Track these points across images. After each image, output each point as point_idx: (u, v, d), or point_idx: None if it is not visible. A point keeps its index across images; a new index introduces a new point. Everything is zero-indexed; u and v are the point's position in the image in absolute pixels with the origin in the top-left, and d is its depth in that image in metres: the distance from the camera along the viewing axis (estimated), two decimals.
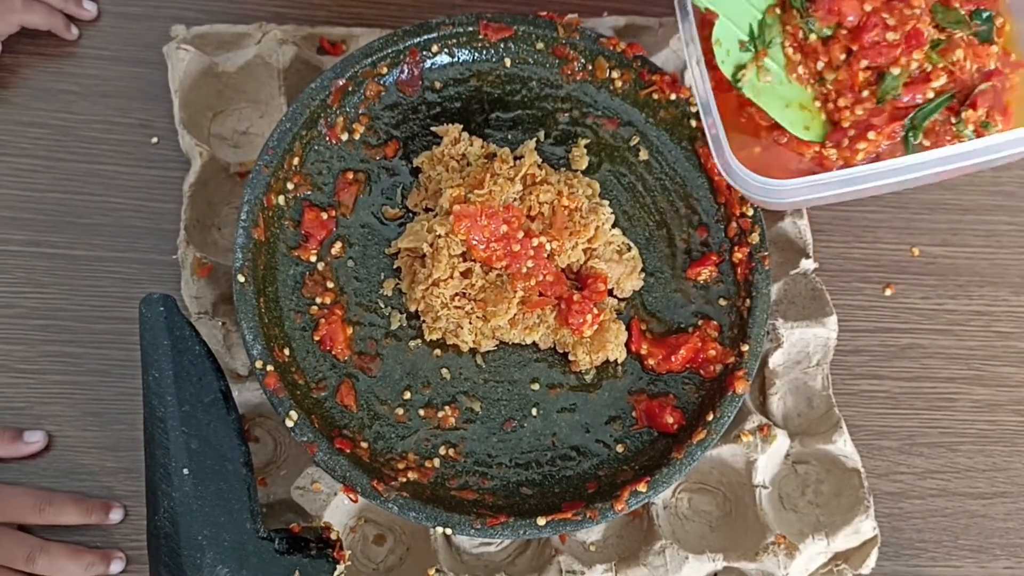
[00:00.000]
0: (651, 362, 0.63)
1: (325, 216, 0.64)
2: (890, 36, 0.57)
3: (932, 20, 0.58)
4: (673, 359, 0.62)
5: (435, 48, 0.66)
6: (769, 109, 0.59)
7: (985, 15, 0.58)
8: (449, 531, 0.57)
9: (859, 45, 0.58)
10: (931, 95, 0.58)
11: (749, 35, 0.60)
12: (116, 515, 0.61)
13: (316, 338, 0.61)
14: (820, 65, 0.59)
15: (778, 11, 0.60)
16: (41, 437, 0.62)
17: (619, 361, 0.63)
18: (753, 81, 0.59)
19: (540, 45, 0.67)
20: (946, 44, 0.58)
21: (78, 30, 0.70)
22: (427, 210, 0.64)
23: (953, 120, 0.58)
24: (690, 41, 0.59)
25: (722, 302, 0.65)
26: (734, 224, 0.65)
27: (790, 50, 0.59)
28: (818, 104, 0.59)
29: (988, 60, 0.57)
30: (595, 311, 0.61)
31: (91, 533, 0.61)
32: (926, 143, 0.58)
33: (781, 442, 0.63)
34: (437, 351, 0.63)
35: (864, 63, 0.58)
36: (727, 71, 0.60)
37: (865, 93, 0.58)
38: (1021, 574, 0.66)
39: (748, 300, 0.63)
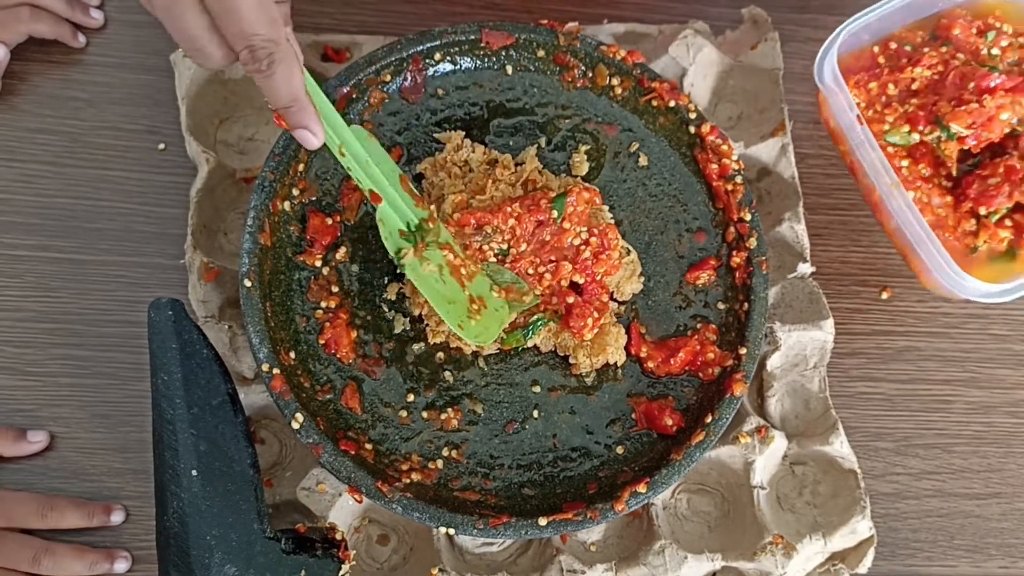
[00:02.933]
0: (650, 365, 0.64)
1: (330, 221, 0.64)
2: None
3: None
4: (672, 362, 0.63)
5: (438, 56, 0.67)
6: (429, 297, 0.60)
7: None
8: (452, 531, 0.57)
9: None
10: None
11: (407, 228, 0.61)
12: (117, 517, 0.62)
13: (321, 341, 0.62)
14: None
15: (432, 224, 0.61)
16: (43, 437, 0.63)
17: (619, 364, 0.64)
18: (414, 265, 0.60)
19: (541, 53, 0.67)
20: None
21: (85, 38, 0.71)
22: None
23: None
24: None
25: (720, 306, 0.65)
26: (732, 229, 0.65)
27: (451, 256, 0.60)
28: (475, 307, 0.60)
29: None
30: (595, 315, 0.62)
31: (100, 534, 0.61)
32: None
33: (779, 443, 0.64)
34: (440, 354, 0.63)
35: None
36: (390, 248, 0.61)
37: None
38: (1016, 574, 0.67)
39: (746, 304, 0.64)
